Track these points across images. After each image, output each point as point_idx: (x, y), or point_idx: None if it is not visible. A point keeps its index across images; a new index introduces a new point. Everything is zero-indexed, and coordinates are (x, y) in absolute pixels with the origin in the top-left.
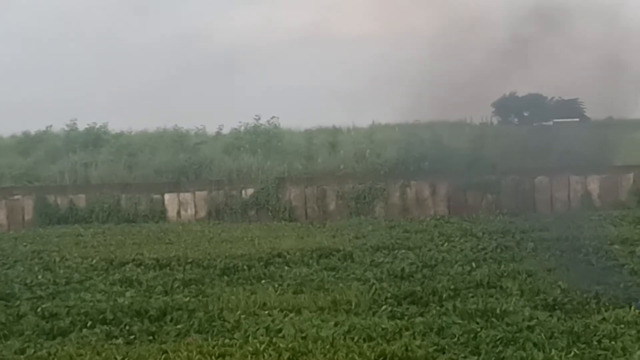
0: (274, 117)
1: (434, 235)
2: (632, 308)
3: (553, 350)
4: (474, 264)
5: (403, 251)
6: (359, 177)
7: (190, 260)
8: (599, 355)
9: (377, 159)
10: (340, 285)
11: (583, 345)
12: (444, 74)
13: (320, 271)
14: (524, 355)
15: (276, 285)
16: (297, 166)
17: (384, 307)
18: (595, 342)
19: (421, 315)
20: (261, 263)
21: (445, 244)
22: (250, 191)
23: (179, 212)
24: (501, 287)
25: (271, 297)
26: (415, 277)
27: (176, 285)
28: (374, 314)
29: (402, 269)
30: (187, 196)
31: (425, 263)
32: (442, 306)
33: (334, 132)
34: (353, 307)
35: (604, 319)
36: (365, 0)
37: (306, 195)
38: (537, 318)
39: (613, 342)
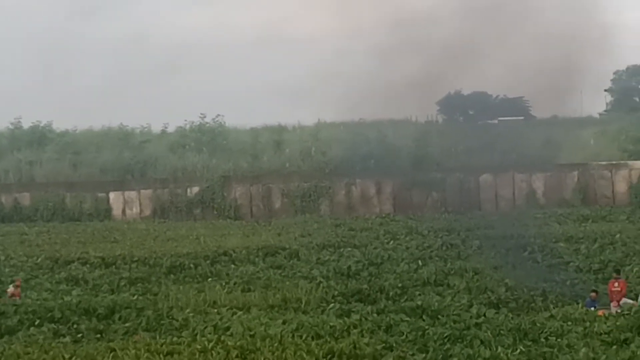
0: (219, 115)
1: (379, 233)
2: (580, 305)
3: (499, 348)
4: (420, 262)
5: (349, 249)
6: (305, 176)
7: (136, 258)
8: (545, 352)
9: (322, 157)
10: (288, 283)
11: (529, 343)
12: (390, 72)
13: (266, 269)
14: (471, 352)
15: (223, 284)
16: (242, 164)
17: (331, 305)
18: (542, 339)
19: (369, 313)
20: (207, 261)
21: (391, 242)
22: (195, 189)
23: (124, 211)
24: (448, 284)
25: (220, 296)
26: (361, 275)
27: (122, 283)
28: (322, 311)
29: (349, 267)
30: (132, 194)
31: (371, 261)
32: (390, 304)
33: (280, 131)
34: (303, 305)
35: (551, 316)
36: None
37: (252, 193)
38: (485, 315)
39: (559, 340)
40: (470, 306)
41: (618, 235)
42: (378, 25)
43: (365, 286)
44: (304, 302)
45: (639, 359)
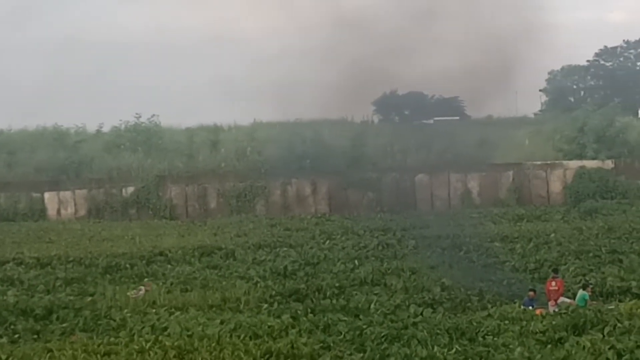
0: (154, 115)
1: (315, 233)
2: (517, 304)
3: (436, 347)
4: (356, 262)
5: (285, 249)
6: (240, 175)
7: (71, 259)
8: (481, 351)
9: (258, 157)
10: (224, 283)
11: (466, 342)
12: (327, 72)
13: (203, 269)
14: (408, 352)
15: (160, 284)
16: (178, 164)
17: (268, 305)
18: (479, 339)
19: (307, 312)
20: (143, 261)
21: (327, 242)
22: (130, 189)
23: (59, 211)
24: (385, 284)
25: (159, 296)
26: (298, 275)
27: (58, 284)
28: (259, 312)
29: (285, 267)
30: (67, 194)
31: (307, 261)
32: (328, 304)
33: (215, 130)
34: (242, 305)
35: (489, 315)
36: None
37: (187, 193)
38: (422, 315)
39: (496, 339)
40: (408, 305)
41: (553, 235)
42: (317, 26)
43: (302, 286)
44: (242, 302)
45: (573, 358)
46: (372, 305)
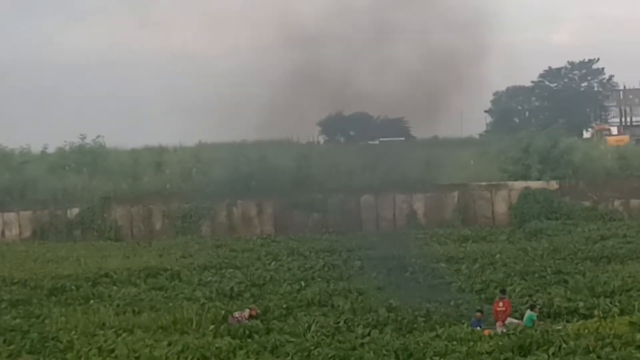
0: (99, 136)
1: (261, 254)
2: (465, 325)
3: None
4: (303, 283)
5: (231, 270)
6: (185, 197)
7: (16, 280)
8: None
9: (203, 178)
10: (171, 304)
11: None
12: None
13: (148, 291)
14: None
15: (107, 305)
16: (123, 185)
17: (212, 327)
18: (427, 359)
19: (255, 334)
20: (89, 283)
21: (273, 263)
22: (75, 211)
23: (3, 232)
24: (332, 305)
25: (109, 317)
26: (244, 296)
27: (3, 306)
28: (205, 334)
29: (231, 288)
30: (11, 216)
31: (253, 282)
32: (275, 325)
33: (160, 152)
34: (194, 325)
35: (437, 335)
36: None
37: (132, 214)
38: (369, 335)
39: (442, 359)
40: (356, 326)
41: (498, 256)
42: (267, 46)
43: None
44: (194, 323)
45: None
46: (314, 327)
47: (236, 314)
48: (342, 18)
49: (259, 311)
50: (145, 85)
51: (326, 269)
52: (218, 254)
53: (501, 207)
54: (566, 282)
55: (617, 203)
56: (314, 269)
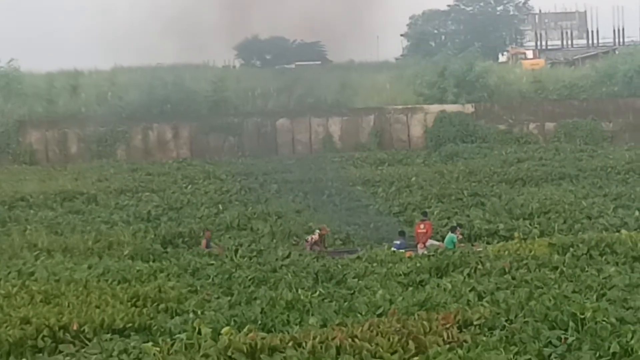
0: (13, 59)
1: (177, 177)
2: (387, 247)
3: (300, 290)
4: (220, 206)
5: (147, 194)
6: (101, 120)
7: None
8: (344, 294)
9: (119, 102)
10: (89, 228)
11: (330, 285)
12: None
13: (65, 214)
14: (274, 295)
15: (24, 229)
16: (38, 109)
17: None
18: (348, 281)
19: (176, 256)
20: (5, 207)
21: (190, 187)
22: None
23: None
24: (252, 228)
25: (42, 239)
26: (161, 220)
27: None
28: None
29: (149, 212)
30: None
31: (170, 205)
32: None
33: (76, 75)
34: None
35: (357, 257)
36: None
37: (47, 138)
38: (289, 257)
39: (360, 281)
40: (276, 248)
41: (414, 179)
42: None
43: (175, 230)
44: (128, 245)
45: (434, 300)
46: (240, 249)
47: (308, 238)
48: None
49: (328, 229)
50: (61, 8)
51: (243, 192)
52: (134, 177)
53: (417, 131)
54: (483, 204)
55: (532, 126)
56: (231, 192)
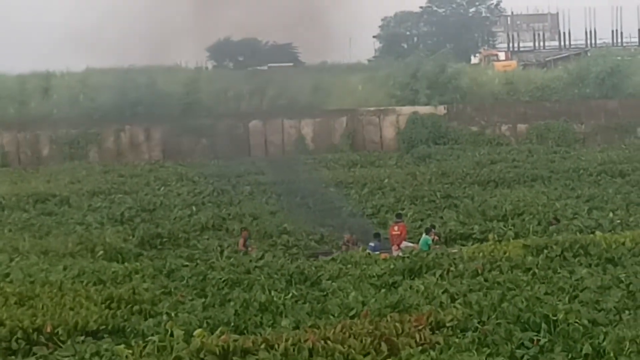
0: None
1: (149, 179)
2: (361, 249)
3: (273, 292)
4: (194, 208)
5: (120, 195)
6: (73, 122)
7: None
8: (318, 296)
9: (91, 104)
10: (62, 229)
11: (303, 287)
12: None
13: (38, 216)
14: (247, 296)
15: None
16: (9, 111)
17: (101, 251)
18: (322, 282)
19: (150, 258)
20: None
21: (162, 188)
22: None
23: None
24: (227, 229)
25: (24, 243)
26: (135, 221)
27: None
28: (100, 257)
29: (122, 213)
30: None
31: (143, 207)
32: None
33: (47, 77)
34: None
35: (332, 259)
36: None
37: (19, 140)
38: (263, 258)
39: (334, 283)
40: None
41: (387, 180)
42: None
43: (154, 231)
44: (105, 247)
45: (407, 302)
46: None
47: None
48: None
49: (354, 236)
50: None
51: (216, 194)
52: (106, 179)
53: (389, 132)
54: (456, 206)
55: (504, 128)
56: (204, 194)
